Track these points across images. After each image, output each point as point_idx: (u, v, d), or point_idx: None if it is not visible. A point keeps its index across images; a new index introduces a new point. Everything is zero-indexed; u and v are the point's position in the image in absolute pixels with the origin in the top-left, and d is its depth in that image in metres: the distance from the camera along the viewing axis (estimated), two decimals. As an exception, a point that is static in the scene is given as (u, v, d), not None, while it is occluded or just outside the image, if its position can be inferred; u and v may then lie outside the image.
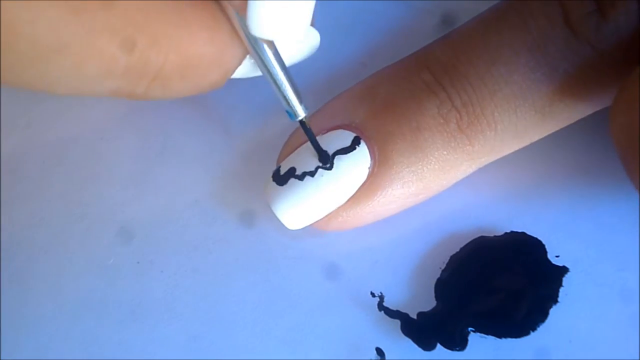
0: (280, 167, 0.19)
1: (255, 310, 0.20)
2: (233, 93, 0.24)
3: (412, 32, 0.23)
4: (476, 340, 0.18)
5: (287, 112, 0.18)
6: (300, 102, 0.17)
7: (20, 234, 0.23)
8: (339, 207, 0.19)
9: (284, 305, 0.20)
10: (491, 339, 0.18)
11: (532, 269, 0.18)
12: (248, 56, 0.17)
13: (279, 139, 0.20)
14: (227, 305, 0.20)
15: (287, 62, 0.18)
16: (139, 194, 0.23)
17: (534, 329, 0.18)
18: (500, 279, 0.18)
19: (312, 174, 0.18)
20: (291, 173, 0.19)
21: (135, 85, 0.16)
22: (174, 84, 0.16)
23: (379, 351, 0.19)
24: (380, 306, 0.19)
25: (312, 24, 0.17)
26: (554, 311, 0.18)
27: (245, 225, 0.21)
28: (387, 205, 0.19)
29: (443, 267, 0.19)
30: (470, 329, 0.18)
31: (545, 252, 0.19)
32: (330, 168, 0.18)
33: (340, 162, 0.18)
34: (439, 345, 0.18)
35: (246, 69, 0.18)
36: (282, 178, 0.19)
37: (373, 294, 0.20)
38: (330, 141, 0.19)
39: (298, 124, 0.20)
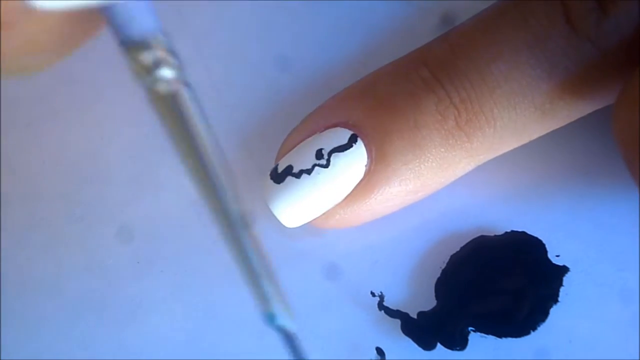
0: (277, 165, 0.19)
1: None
2: (233, 92, 0.24)
3: (412, 32, 0.23)
4: (476, 340, 0.18)
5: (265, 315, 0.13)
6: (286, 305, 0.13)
7: (20, 234, 0.23)
8: (336, 205, 0.19)
9: (284, 305, 0.20)
10: (491, 338, 0.18)
11: (533, 268, 0.18)
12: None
13: (278, 139, 0.20)
14: (227, 305, 0.20)
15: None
16: (139, 194, 0.23)
17: (534, 329, 0.18)
18: (500, 279, 0.18)
19: (309, 171, 0.18)
20: (288, 171, 0.19)
21: None
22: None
23: (379, 351, 0.19)
24: (380, 306, 0.19)
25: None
26: (554, 311, 0.18)
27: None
28: (385, 203, 0.19)
29: (443, 267, 0.19)
30: (470, 328, 0.18)
31: (546, 251, 0.19)
32: (327, 166, 0.18)
33: (337, 159, 0.18)
34: (439, 345, 0.18)
35: None
36: (279, 176, 0.19)
37: (373, 294, 0.20)
38: (327, 139, 0.19)
39: (297, 124, 0.20)
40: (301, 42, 0.24)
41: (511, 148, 0.19)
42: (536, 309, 0.18)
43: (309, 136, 0.19)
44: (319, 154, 0.18)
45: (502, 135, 0.18)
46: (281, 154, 0.20)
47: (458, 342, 0.18)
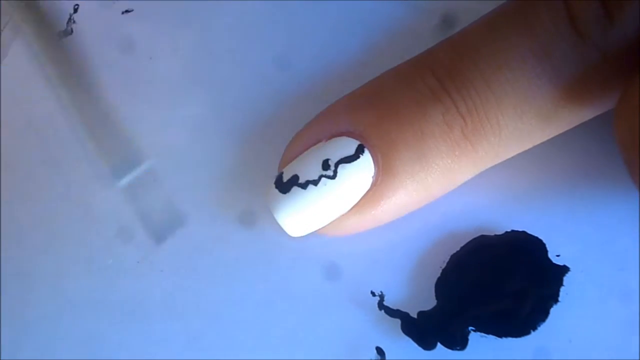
0: (282, 173, 0.19)
1: (255, 310, 0.20)
2: (234, 93, 0.24)
3: (412, 32, 0.23)
4: (476, 339, 0.18)
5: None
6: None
7: (20, 234, 0.23)
8: (341, 216, 0.19)
9: (284, 305, 0.20)
10: (491, 338, 0.18)
11: (533, 268, 0.18)
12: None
13: (279, 139, 0.20)
14: (227, 305, 0.20)
15: None
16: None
17: (534, 329, 0.18)
18: (500, 279, 0.18)
19: (315, 182, 0.18)
20: (294, 181, 0.19)
21: None
22: None
23: (379, 351, 0.19)
24: (381, 305, 0.19)
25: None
26: (554, 311, 0.18)
27: (245, 225, 0.21)
28: (390, 213, 0.19)
29: (443, 266, 0.19)
30: (470, 328, 0.18)
31: (546, 251, 0.19)
32: (333, 177, 0.18)
33: (343, 171, 0.18)
34: (439, 345, 0.18)
35: None
36: (284, 186, 0.19)
37: (373, 294, 0.20)
38: (334, 149, 0.19)
39: (299, 127, 0.20)
40: (301, 42, 0.24)
41: (514, 154, 0.19)
42: (536, 309, 0.18)
43: (313, 143, 0.19)
44: (325, 165, 0.18)
45: (507, 144, 0.18)
46: (285, 160, 0.20)
47: (458, 342, 0.18)
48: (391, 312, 0.19)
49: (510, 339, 0.18)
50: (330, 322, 0.20)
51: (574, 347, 0.18)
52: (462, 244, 0.20)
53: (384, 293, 0.20)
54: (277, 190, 0.19)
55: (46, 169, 0.24)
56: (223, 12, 0.25)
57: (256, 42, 0.24)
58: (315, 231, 0.19)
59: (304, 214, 0.19)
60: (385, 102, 0.18)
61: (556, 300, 0.18)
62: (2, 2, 0.27)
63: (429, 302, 0.19)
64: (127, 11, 0.27)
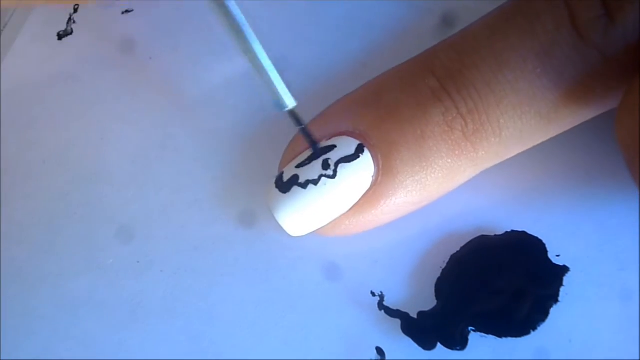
0: (283, 173, 0.19)
1: (255, 310, 0.20)
2: (234, 93, 0.24)
3: (412, 32, 0.23)
4: (476, 339, 0.18)
5: (274, 102, 0.17)
6: (287, 90, 0.17)
7: (20, 234, 0.23)
8: (342, 215, 0.19)
9: (284, 305, 0.20)
10: (491, 338, 0.18)
11: (533, 268, 0.18)
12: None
13: (280, 139, 0.20)
14: (227, 305, 0.20)
15: None
16: (139, 194, 0.23)
17: (534, 329, 0.18)
18: (500, 278, 0.18)
19: (315, 182, 0.18)
20: (294, 181, 0.19)
21: None
22: None
23: (379, 351, 0.19)
24: (381, 305, 0.19)
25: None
26: (554, 311, 0.18)
27: (245, 225, 0.21)
28: (391, 213, 0.19)
29: (443, 267, 0.19)
30: (470, 328, 0.18)
31: (546, 251, 0.19)
32: (333, 177, 0.18)
33: (343, 170, 0.18)
34: (439, 345, 0.18)
35: None
36: (285, 185, 0.19)
37: (373, 294, 0.20)
38: (334, 149, 0.19)
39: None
40: (301, 42, 0.24)
41: (515, 154, 0.19)
42: (536, 309, 0.18)
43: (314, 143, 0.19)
44: (325, 164, 0.18)
45: (507, 144, 0.18)
46: (286, 160, 0.20)
47: (458, 342, 0.18)
48: (391, 312, 0.19)
49: (510, 339, 0.18)
50: (330, 322, 0.20)
51: (574, 347, 0.18)
52: (462, 244, 0.20)
53: (384, 293, 0.20)
54: (277, 190, 0.19)
55: (46, 169, 0.24)
56: (223, 12, 0.25)
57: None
58: (316, 231, 0.19)
59: (304, 214, 0.19)
60: (386, 102, 0.18)
61: (556, 300, 0.18)
62: (1, 1, 0.27)
63: (429, 302, 0.19)
64: (127, 11, 0.27)
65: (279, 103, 0.17)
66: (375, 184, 0.18)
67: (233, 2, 0.16)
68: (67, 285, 0.22)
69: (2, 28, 0.28)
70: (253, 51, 0.16)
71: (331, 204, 0.18)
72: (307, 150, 0.19)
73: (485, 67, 0.17)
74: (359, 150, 0.18)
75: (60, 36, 0.27)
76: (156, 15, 0.26)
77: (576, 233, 0.19)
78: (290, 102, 0.17)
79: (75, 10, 0.27)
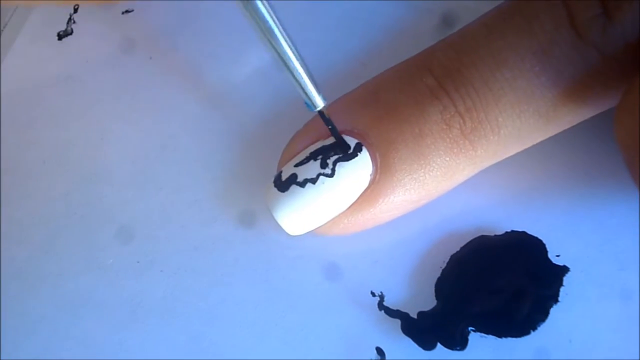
0: (281, 172, 0.19)
1: (255, 310, 0.20)
2: (234, 93, 0.24)
3: (412, 32, 0.23)
4: (476, 339, 0.18)
5: (305, 103, 0.18)
6: (319, 91, 0.17)
7: (20, 233, 0.23)
8: (340, 214, 0.19)
9: (284, 305, 0.20)
10: (491, 338, 0.18)
11: (533, 268, 0.18)
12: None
13: (279, 139, 0.20)
14: (227, 305, 0.20)
15: None
16: (139, 194, 0.23)
17: (534, 329, 0.18)
18: (500, 278, 0.18)
19: (313, 180, 0.18)
20: (292, 179, 0.19)
21: None
22: None
23: (379, 351, 0.19)
24: (381, 306, 0.19)
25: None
26: (554, 311, 0.18)
27: (245, 225, 0.21)
28: (389, 211, 0.19)
29: (443, 267, 0.19)
30: (470, 328, 0.18)
31: (546, 251, 0.19)
32: (331, 175, 0.18)
33: (341, 169, 0.18)
34: (439, 345, 0.18)
35: None
36: (283, 184, 0.19)
37: (373, 294, 0.20)
38: (332, 147, 0.19)
39: (299, 127, 0.20)
40: (301, 42, 0.24)
41: (514, 153, 0.19)
42: (536, 309, 0.18)
43: (312, 142, 0.19)
44: (323, 163, 0.18)
45: (505, 143, 0.18)
46: (284, 159, 0.20)
47: (458, 342, 0.18)
48: (391, 313, 0.19)
49: (510, 339, 0.18)
50: (330, 322, 0.20)
51: (574, 347, 0.18)
52: (462, 244, 0.20)
53: (384, 293, 0.20)
54: (275, 189, 0.19)
55: (46, 169, 0.24)
56: (223, 12, 0.25)
57: (256, 42, 0.24)
58: (314, 230, 0.19)
59: (303, 213, 0.19)
60: (384, 101, 0.19)
61: (556, 300, 0.18)
62: (1, 2, 0.27)
63: (429, 302, 0.19)
64: (127, 11, 0.27)
65: (309, 103, 0.17)
66: (373, 182, 0.18)
67: (265, 3, 0.16)
68: (67, 285, 0.22)
69: (2, 28, 0.28)
70: (285, 53, 0.16)
71: (329, 203, 0.18)
72: (306, 149, 0.19)
73: (483, 65, 0.17)
74: (357, 148, 0.18)
75: (60, 36, 0.27)
76: (156, 15, 0.26)
77: (576, 233, 0.19)
78: (320, 104, 0.17)
79: (75, 10, 0.27)
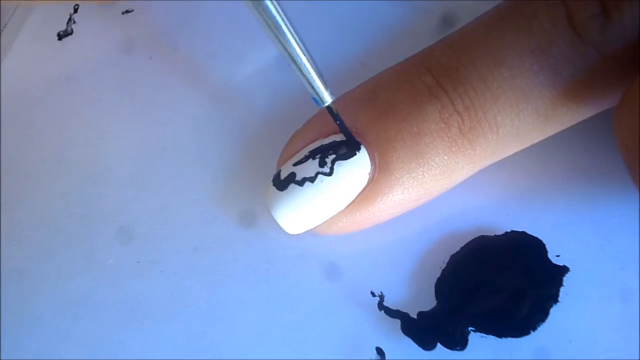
0: (280, 171, 0.19)
1: (255, 310, 0.20)
2: (234, 93, 0.24)
3: (412, 32, 0.23)
4: (476, 339, 0.18)
5: (313, 98, 0.18)
6: (326, 87, 0.17)
7: (20, 234, 0.23)
8: (339, 213, 0.19)
9: (284, 305, 0.20)
10: (491, 338, 0.18)
11: (533, 268, 0.18)
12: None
13: (279, 139, 0.20)
14: (227, 305, 0.20)
15: None
16: (139, 194, 0.23)
17: (534, 329, 0.18)
18: (500, 279, 0.18)
19: (312, 179, 0.18)
20: (291, 178, 0.19)
21: None
22: None
23: (379, 351, 0.19)
24: (381, 306, 0.19)
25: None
26: (554, 311, 0.18)
27: (245, 225, 0.21)
28: (388, 210, 0.19)
29: (443, 267, 0.19)
30: (470, 328, 0.18)
31: (546, 251, 0.19)
32: (330, 174, 0.18)
33: (340, 167, 0.18)
34: (439, 345, 0.18)
35: None
36: (282, 183, 0.19)
37: (373, 294, 0.20)
38: (331, 146, 0.19)
39: (298, 126, 0.20)
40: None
41: (513, 152, 0.19)
42: (536, 309, 0.18)
43: (311, 141, 0.19)
44: (322, 162, 0.18)
45: (504, 142, 0.18)
46: (283, 159, 0.20)
47: (458, 342, 0.18)
48: (391, 313, 0.19)
49: (510, 339, 0.18)
50: (330, 322, 0.20)
51: (574, 347, 0.18)
52: (462, 244, 0.20)
53: (383, 293, 0.20)
54: (274, 188, 0.19)
55: (46, 169, 0.24)
56: (223, 12, 0.25)
57: (256, 42, 0.24)
58: (314, 229, 0.19)
59: (301, 211, 0.19)
60: (382, 100, 0.19)
61: (556, 300, 0.18)
62: (1, 2, 0.27)
63: (429, 302, 0.19)
64: (127, 11, 0.27)
65: (317, 99, 0.18)
66: (372, 181, 0.18)
67: (273, 0, 0.16)
68: (66, 285, 0.22)
69: (2, 28, 0.28)
70: (293, 49, 0.16)
71: (328, 201, 0.18)
72: (305, 149, 0.19)
73: (481, 64, 0.17)
74: (356, 147, 0.18)
75: (60, 36, 0.27)
76: (156, 15, 0.26)
77: (576, 233, 0.19)
78: (327, 99, 0.18)
79: (75, 10, 0.27)
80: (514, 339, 0.18)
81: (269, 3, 0.16)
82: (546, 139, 0.19)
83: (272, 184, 0.19)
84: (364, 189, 0.18)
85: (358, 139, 0.18)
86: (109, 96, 0.25)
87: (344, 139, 0.19)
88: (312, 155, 0.19)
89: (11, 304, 0.22)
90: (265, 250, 0.21)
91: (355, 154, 0.18)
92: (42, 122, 0.25)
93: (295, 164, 0.19)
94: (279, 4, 0.16)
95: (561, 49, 0.16)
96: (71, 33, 0.27)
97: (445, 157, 0.18)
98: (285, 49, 0.16)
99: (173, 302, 0.21)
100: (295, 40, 0.16)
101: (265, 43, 0.17)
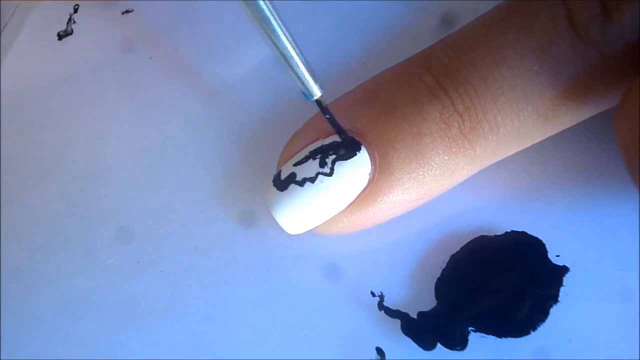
0: (280, 171, 0.19)
1: (255, 310, 0.20)
2: (234, 93, 0.24)
3: (412, 32, 0.23)
4: (476, 339, 0.18)
5: (302, 92, 0.18)
6: (315, 81, 0.17)
7: (20, 234, 0.23)
8: (339, 213, 0.19)
9: (284, 305, 0.20)
10: (491, 338, 0.18)
11: (533, 268, 0.18)
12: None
13: (279, 139, 0.20)
14: (227, 305, 0.20)
15: None
16: (139, 194, 0.23)
17: (534, 329, 0.18)
18: (500, 279, 0.18)
19: (312, 180, 0.18)
20: (291, 179, 0.19)
21: None
22: None
23: (379, 351, 0.19)
24: (381, 306, 0.19)
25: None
26: (554, 311, 0.18)
27: (245, 225, 0.21)
28: (388, 210, 0.19)
29: (443, 267, 0.19)
30: (470, 328, 0.18)
31: (546, 251, 0.19)
32: (330, 174, 0.18)
33: (340, 168, 0.18)
34: (439, 345, 0.18)
35: None
36: (282, 183, 0.19)
37: (373, 294, 0.20)
38: (331, 146, 0.19)
39: (298, 126, 0.20)
40: (301, 42, 0.24)
41: (513, 152, 0.19)
42: (536, 309, 0.18)
43: (311, 142, 0.19)
44: (322, 162, 0.18)
45: (505, 142, 0.18)
46: (283, 159, 0.20)
47: (458, 342, 0.18)
48: (391, 313, 0.19)
49: (510, 339, 0.18)
50: (330, 322, 0.20)
51: (574, 347, 0.18)
52: (462, 244, 0.20)
53: (383, 293, 0.20)
54: (274, 188, 0.19)
55: (46, 169, 0.24)
56: (223, 12, 0.25)
57: (256, 42, 0.24)
58: (314, 230, 0.19)
59: (302, 212, 0.19)
60: (383, 100, 0.19)
61: (556, 301, 0.18)
62: (1, 2, 0.27)
63: (429, 302, 0.19)
64: (127, 11, 0.27)
65: (306, 93, 0.18)
66: (372, 181, 0.18)
67: None
68: (67, 285, 0.22)
69: (2, 28, 0.28)
70: (282, 43, 0.16)
71: (328, 202, 0.18)
72: (305, 149, 0.19)
73: (481, 64, 0.17)
74: (356, 147, 0.18)
75: (60, 36, 0.27)
76: (156, 15, 0.26)
77: (576, 233, 0.19)
78: (316, 93, 0.18)
79: (75, 10, 0.27)
80: (514, 339, 0.18)
81: None
82: (546, 139, 0.19)
83: (272, 184, 0.19)
84: (364, 189, 0.18)
85: (358, 139, 0.18)
86: (109, 96, 0.25)
87: (343, 138, 0.19)
88: (312, 155, 0.19)
89: (11, 304, 0.22)
90: (265, 250, 0.21)
91: (355, 154, 0.18)
92: (42, 122, 0.25)
93: (295, 164, 0.19)
94: None
95: (561, 49, 0.16)
96: (71, 33, 0.27)
97: (446, 158, 0.18)
98: (274, 43, 0.16)
99: (173, 302, 0.21)
100: (284, 34, 0.16)
101: (265, 43, 0.17)
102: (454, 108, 0.17)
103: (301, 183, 0.18)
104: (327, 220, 0.19)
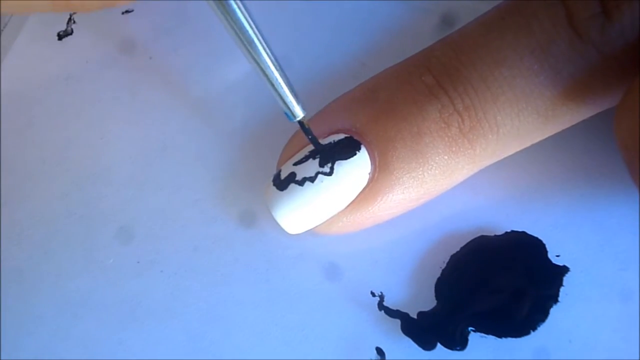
0: (280, 171, 0.19)
1: (255, 310, 0.20)
2: (234, 93, 0.24)
3: (412, 32, 0.23)
4: (476, 339, 0.18)
5: (285, 113, 0.18)
6: (298, 102, 0.18)
7: (20, 234, 0.23)
8: (339, 213, 0.19)
9: (284, 305, 0.20)
10: (491, 338, 0.18)
11: (533, 268, 0.18)
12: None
13: (279, 139, 0.20)
14: (227, 305, 0.20)
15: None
16: (139, 194, 0.23)
17: (534, 329, 0.18)
18: (500, 279, 0.18)
19: (312, 179, 0.18)
20: (291, 178, 0.19)
21: None
22: None
23: (379, 351, 0.19)
24: (381, 306, 0.19)
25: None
26: (554, 311, 0.18)
27: (245, 225, 0.21)
28: (388, 210, 0.19)
29: (443, 267, 0.19)
30: (470, 328, 0.18)
31: (546, 251, 0.19)
32: (330, 174, 0.18)
33: (340, 167, 0.18)
34: (439, 345, 0.18)
35: None
36: (282, 183, 0.19)
37: (373, 294, 0.20)
38: (331, 146, 0.19)
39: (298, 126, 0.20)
40: (301, 42, 0.24)
41: (513, 152, 0.19)
42: (536, 309, 0.18)
43: None
44: (322, 162, 0.18)
45: (504, 142, 0.18)
46: (283, 158, 0.20)
47: (458, 342, 0.18)
48: (391, 313, 0.19)
49: (510, 339, 0.18)
50: (330, 322, 0.20)
51: (574, 347, 0.18)
52: (462, 244, 0.20)
53: (383, 293, 0.20)
54: (274, 188, 0.19)
55: (46, 169, 0.24)
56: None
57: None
58: (314, 229, 0.19)
59: (301, 211, 0.19)
60: (382, 99, 0.19)
61: (556, 301, 0.18)
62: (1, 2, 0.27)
63: (429, 302, 0.19)
64: (127, 11, 0.27)
65: (289, 114, 0.18)
66: (372, 181, 0.18)
67: (245, 13, 0.16)
68: (67, 285, 0.22)
69: (2, 28, 0.28)
70: (264, 63, 0.17)
71: (328, 201, 0.18)
72: (305, 148, 0.19)
73: (481, 64, 0.17)
74: (356, 147, 0.18)
75: (60, 36, 0.27)
76: (156, 15, 0.26)
77: (576, 233, 0.19)
78: (299, 114, 0.18)
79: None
80: (514, 339, 0.18)
81: (241, 17, 0.16)
82: (546, 139, 0.19)
83: (272, 183, 0.19)
84: (364, 188, 0.18)
85: (358, 138, 0.18)
86: (109, 96, 0.25)
87: (344, 139, 0.19)
88: (312, 155, 0.19)
89: (11, 304, 0.22)
90: (265, 250, 0.21)
91: (355, 154, 0.18)
92: (42, 122, 0.25)
93: (295, 164, 0.19)
94: (251, 19, 0.16)
95: (561, 49, 0.16)
96: (71, 33, 0.27)
97: (446, 157, 0.18)
98: (257, 63, 0.17)
99: (173, 302, 0.21)
100: (267, 55, 0.16)
101: (248, 62, 0.17)
102: (454, 107, 0.17)
103: (301, 182, 0.18)
104: (327, 220, 0.19)
